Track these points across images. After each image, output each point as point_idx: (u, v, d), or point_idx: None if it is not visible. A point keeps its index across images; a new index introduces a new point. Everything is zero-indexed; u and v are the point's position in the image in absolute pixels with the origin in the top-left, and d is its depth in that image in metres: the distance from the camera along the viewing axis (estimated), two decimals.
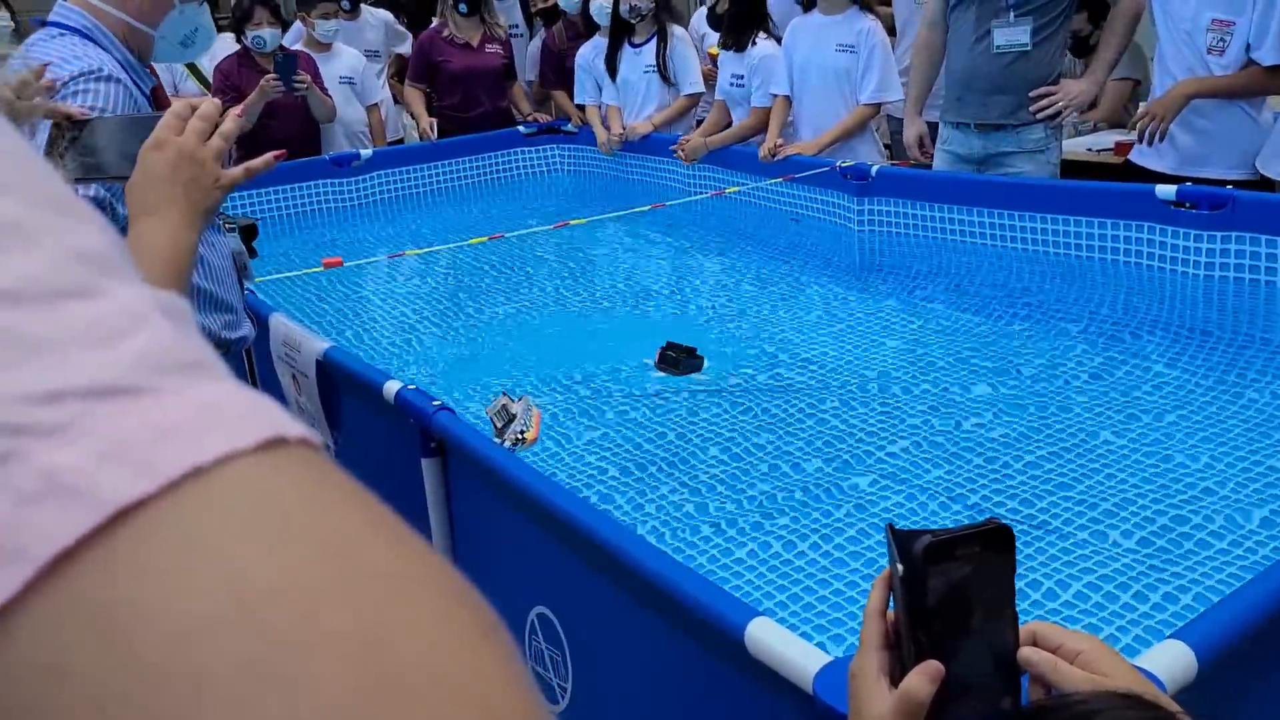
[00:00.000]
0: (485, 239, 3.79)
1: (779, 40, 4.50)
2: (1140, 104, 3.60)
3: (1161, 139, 3.25)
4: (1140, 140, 3.29)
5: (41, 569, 0.22)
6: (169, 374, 0.26)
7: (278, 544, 0.24)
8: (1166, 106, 3.21)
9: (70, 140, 1.22)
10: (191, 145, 1.06)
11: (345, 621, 0.23)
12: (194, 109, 1.12)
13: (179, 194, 1.03)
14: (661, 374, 2.84)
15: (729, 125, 4.72)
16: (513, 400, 2.47)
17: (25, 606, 0.22)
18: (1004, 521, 0.86)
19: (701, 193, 4.59)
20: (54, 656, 0.22)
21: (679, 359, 2.84)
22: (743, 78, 4.55)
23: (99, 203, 0.91)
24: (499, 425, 2.40)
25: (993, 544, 0.85)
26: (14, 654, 0.22)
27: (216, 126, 1.11)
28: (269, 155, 1.24)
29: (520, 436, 2.46)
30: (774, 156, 4.23)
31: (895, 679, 0.85)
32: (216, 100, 1.14)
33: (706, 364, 2.86)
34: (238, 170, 1.15)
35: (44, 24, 1.90)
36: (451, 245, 4.01)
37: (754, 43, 4.48)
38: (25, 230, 0.26)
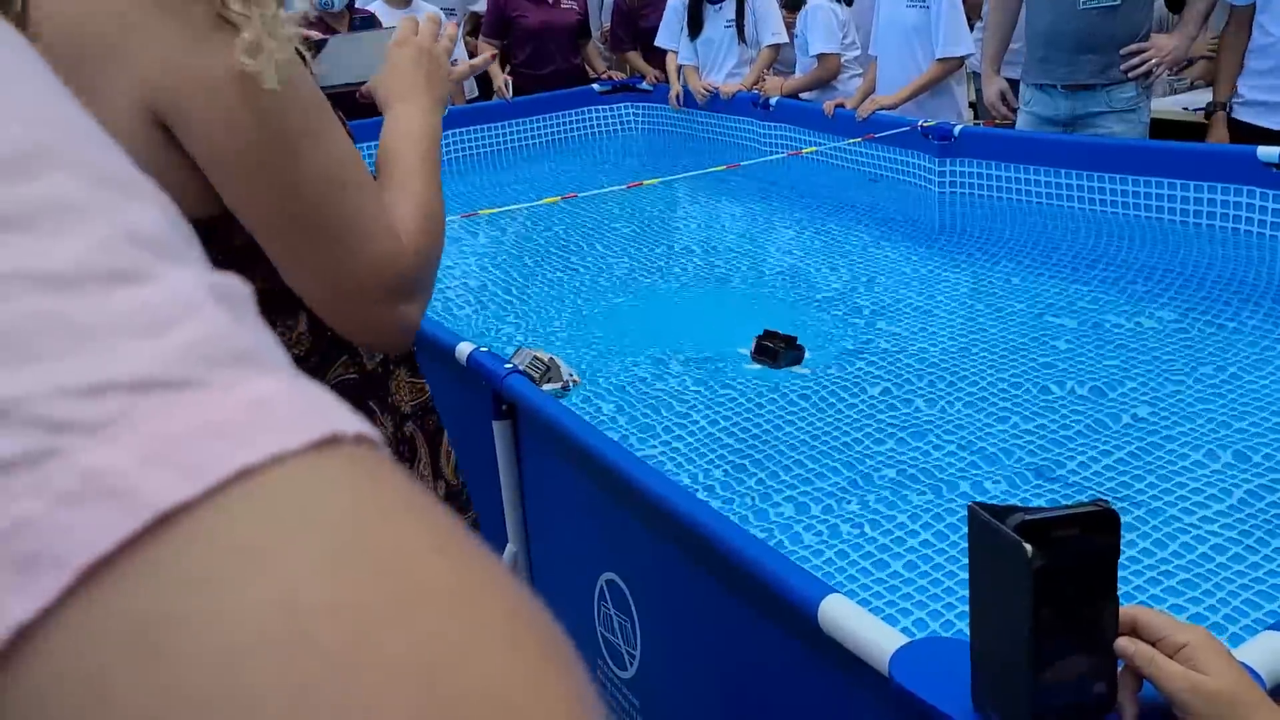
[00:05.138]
0: (558, 199, 3.77)
1: None
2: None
3: None
4: None
5: (79, 576, 0.21)
6: (220, 366, 0.24)
7: (331, 556, 0.22)
8: None
9: (310, 57, 1.32)
10: (428, 43, 1.21)
11: (402, 644, 0.22)
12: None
13: (422, 83, 1.17)
14: (758, 366, 2.61)
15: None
16: (535, 350, 2.51)
17: (62, 618, 0.21)
18: (1109, 504, 0.82)
19: (778, 153, 4.51)
20: (93, 674, 0.21)
21: (778, 350, 2.60)
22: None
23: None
24: (536, 375, 2.42)
25: (1095, 527, 0.81)
26: (50, 669, 0.21)
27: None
28: (485, 54, 1.47)
29: (571, 379, 2.48)
30: (861, 118, 4.17)
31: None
32: (439, 13, 1.33)
33: (807, 354, 2.64)
34: (463, 66, 1.34)
35: None
36: (524, 205, 3.99)
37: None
38: (77, 208, 0.25)
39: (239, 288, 0.27)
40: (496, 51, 1.42)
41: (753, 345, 2.66)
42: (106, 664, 0.21)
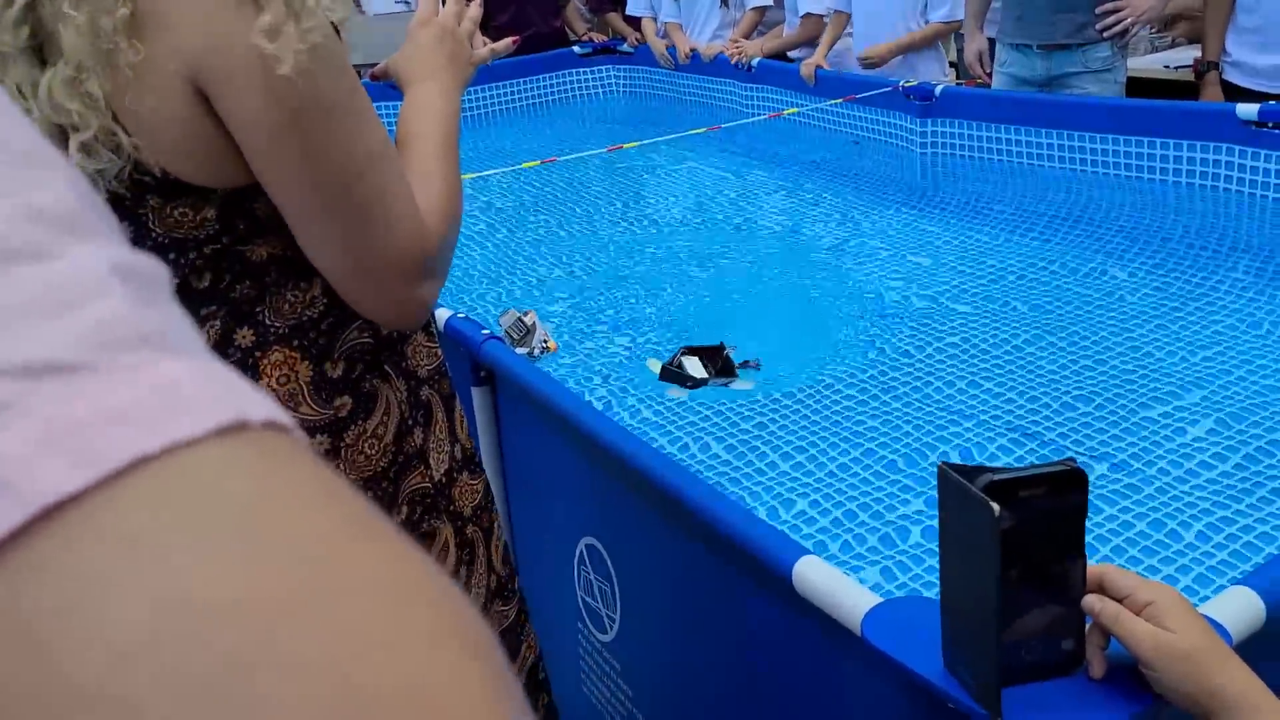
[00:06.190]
0: (537, 163, 3.74)
1: None
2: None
3: None
4: None
5: None
6: (123, 349, 0.23)
7: (230, 549, 0.21)
8: None
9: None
10: (452, 23, 1.20)
11: (307, 644, 0.21)
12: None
13: (444, 63, 1.17)
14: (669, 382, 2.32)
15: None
16: (522, 313, 2.51)
17: None
18: (1078, 463, 0.83)
19: (759, 114, 4.49)
20: None
21: (692, 373, 2.27)
22: None
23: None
24: (516, 337, 2.43)
25: (1062, 485, 0.82)
26: None
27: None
28: (507, 40, 1.41)
29: (545, 346, 2.49)
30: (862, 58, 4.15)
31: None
32: None
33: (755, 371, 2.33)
34: (484, 50, 1.29)
35: None
36: (503, 170, 3.97)
37: None
38: None
39: (151, 266, 0.26)
40: (519, 38, 1.40)
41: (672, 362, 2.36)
42: None
